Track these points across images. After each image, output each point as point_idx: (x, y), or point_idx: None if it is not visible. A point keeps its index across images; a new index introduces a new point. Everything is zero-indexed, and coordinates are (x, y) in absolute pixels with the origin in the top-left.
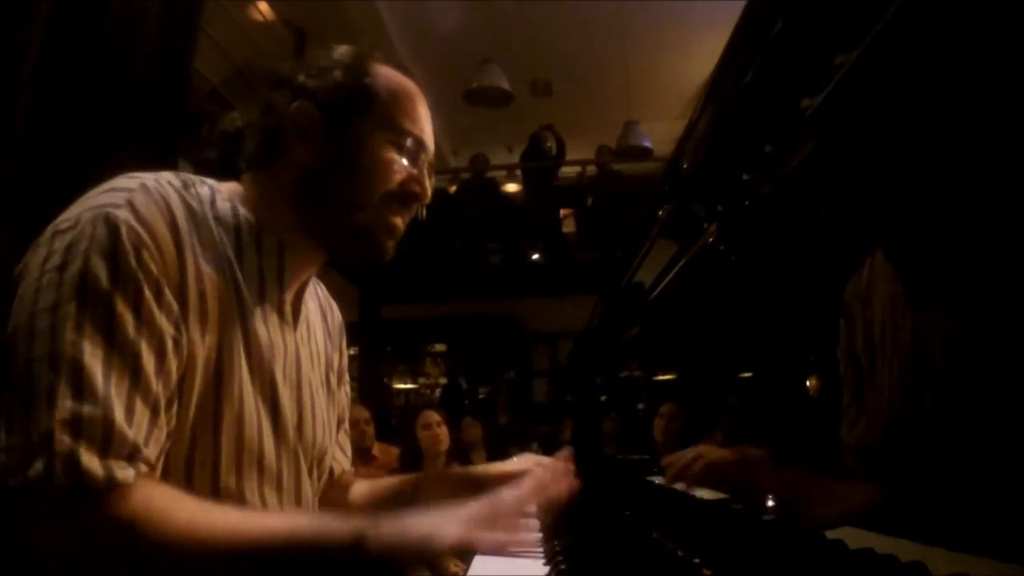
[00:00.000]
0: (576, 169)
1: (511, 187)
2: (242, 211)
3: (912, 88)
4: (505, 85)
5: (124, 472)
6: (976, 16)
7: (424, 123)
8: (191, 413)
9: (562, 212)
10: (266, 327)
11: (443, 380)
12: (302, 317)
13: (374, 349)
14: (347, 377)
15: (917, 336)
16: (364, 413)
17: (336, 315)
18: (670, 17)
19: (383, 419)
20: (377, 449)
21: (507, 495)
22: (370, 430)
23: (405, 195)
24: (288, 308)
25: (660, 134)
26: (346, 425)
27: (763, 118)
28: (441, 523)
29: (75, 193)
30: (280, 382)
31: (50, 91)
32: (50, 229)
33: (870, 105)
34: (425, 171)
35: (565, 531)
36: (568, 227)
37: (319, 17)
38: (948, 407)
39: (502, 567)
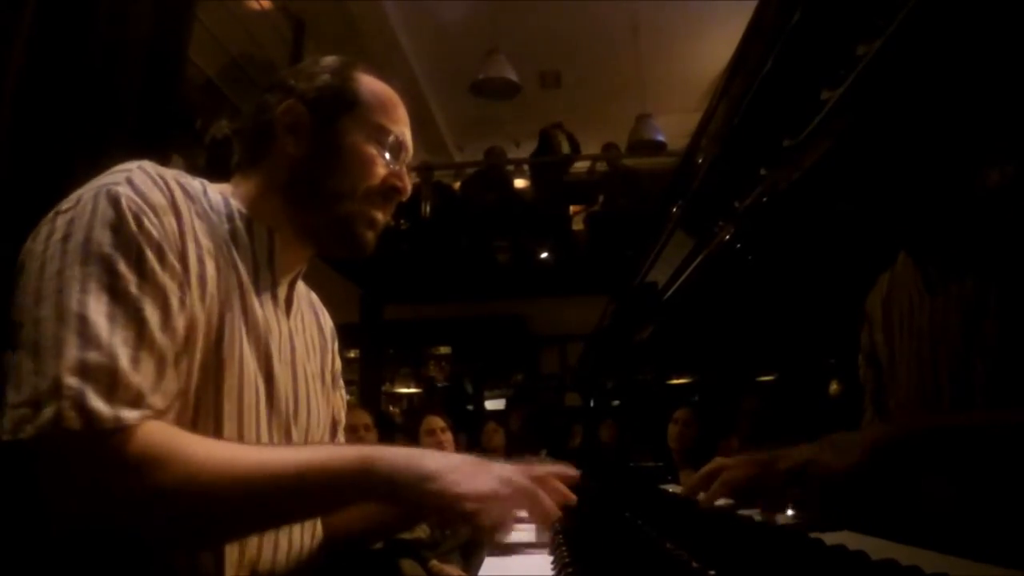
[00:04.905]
0: (587, 164)
1: (519, 183)
2: (233, 202)
3: (936, 79)
4: (512, 76)
5: (129, 414)
6: (1001, 5)
7: (404, 125)
8: (195, 380)
9: (572, 209)
10: (262, 308)
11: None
12: (295, 309)
13: (375, 351)
14: (341, 383)
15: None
16: (364, 418)
17: (328, 320)
18: (684, 5)
19: (385, 423)
20: None
21: (540, 467)
22: (371, 436)
23: (386, 190)
24: (282, 295)
25: (674, 128)
26: (343, 426)
27: (781, 111)
28: (462, 466)
29: (64, 188)
30: (276, 360)
31: (38, 85)
32: (52, 212)
33: (893, 97)
34: (405, 169)
35: (575, 539)
36: (578, 225)
37: (319, 6)
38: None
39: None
